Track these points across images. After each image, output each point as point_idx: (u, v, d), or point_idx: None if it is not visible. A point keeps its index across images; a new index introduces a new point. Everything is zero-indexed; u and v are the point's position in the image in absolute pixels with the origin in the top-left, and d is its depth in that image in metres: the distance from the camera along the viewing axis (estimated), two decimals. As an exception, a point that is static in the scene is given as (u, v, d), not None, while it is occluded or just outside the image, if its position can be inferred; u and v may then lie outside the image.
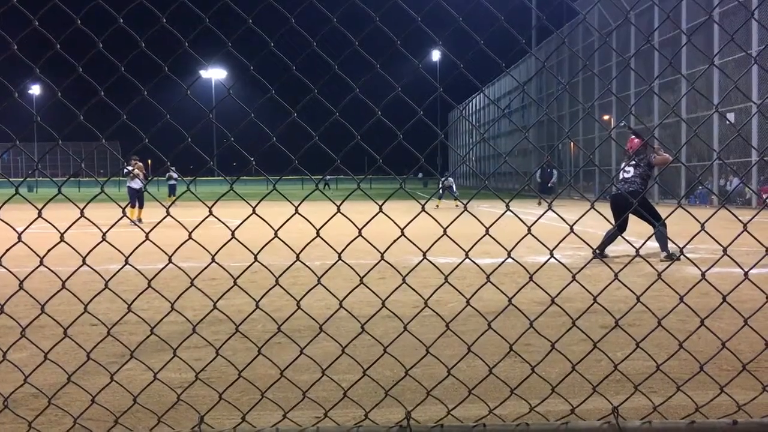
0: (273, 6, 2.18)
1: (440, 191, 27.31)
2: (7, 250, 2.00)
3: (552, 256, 1.99)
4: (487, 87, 57.90)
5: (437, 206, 23.74)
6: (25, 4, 2.10)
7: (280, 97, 2.28)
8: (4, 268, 2.04)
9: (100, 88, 2.10)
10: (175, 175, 29.78)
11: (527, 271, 2.04)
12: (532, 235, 2.06)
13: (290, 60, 2.17)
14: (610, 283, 2.11)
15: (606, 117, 33.58)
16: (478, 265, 2.06)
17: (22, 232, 1.99)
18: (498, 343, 2.28)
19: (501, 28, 2.26)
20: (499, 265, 2.14)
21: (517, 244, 2.13)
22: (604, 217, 2.20)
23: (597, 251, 8.36)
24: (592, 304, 2.09)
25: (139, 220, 15.49)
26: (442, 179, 29.87)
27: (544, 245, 1.99)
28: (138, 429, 2.32)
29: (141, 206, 16.21)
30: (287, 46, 2.27)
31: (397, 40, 2.10)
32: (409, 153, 2.31)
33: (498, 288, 2.09)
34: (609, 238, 8.12)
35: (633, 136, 9.45)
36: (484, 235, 2.01)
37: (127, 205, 11.50)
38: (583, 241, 2.16)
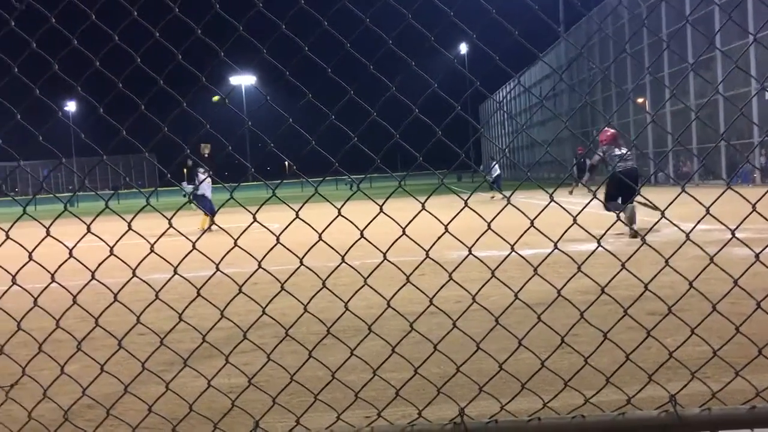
0: (302, 8, 2.19)
1: (493, 183, 27.05)
2: (60, 265, 2.05)
3: (600, 244, 1.96)
4: (515, 78, 57.35)
5: (493, 197, 23.41)
6: (63, 22, 2.14)
7: (309, 99, 2.28)
8: (57, 283, 2.09)
9: (140, 101, 2.13)
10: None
11: (574, 261, 2.01)
12: (579, 225, 2.03)
13: (324, 62, 2.18)
14: (661, 269, 2.07)
15: (640, 100, 33.01)
16: (523, 257, 2.04)
17: (73, 247, 2.03)
18: (543, 335, 2.26)
19: (528, 18, 2.24)
20: (547, 256, 2.12)
21: (563, 234, 2.10)
22: (650, 203, 2.15)
23: (634, 230, 8.91)
24: (644, 292, 2.05)
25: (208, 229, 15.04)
26: (490, 169, 29.59)
27: (590, 234, 1.96)
28: (194, 435, 2.35)
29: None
30: (318, 49, 2.28)
31: (431, 37, 2.09)
32: (439, 148, 2.29)
33: (544, 279, 2.07)
34: (627, 212, 9.18)
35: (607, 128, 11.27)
36: (529, 227, 1.99)
37: (209, 215, 11.35)
38: (629, 227, 2.12)
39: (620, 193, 9.62)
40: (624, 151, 10.90)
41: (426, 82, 2.21)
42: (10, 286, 2.10)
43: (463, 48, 56.64)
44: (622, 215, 9.51)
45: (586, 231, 2.08)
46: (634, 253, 2.11)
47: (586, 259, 2.07)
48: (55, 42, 2.31)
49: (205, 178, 14.87)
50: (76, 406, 2.69)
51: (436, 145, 2.19)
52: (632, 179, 9.95)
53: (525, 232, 2.04)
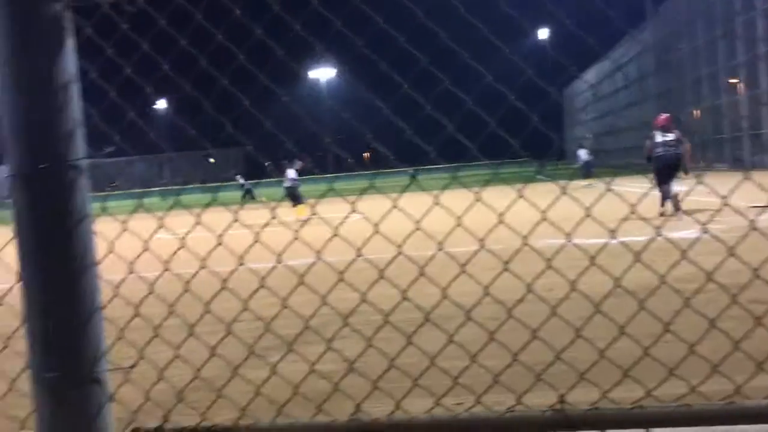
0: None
1: (584, 169, 26.57)
2: (174, 253, 2.17)
3: (706, 231, 1.91)
4: (598, 62, 55.81)
5: (589, 184, 22.88)
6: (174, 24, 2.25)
7: (373, 88, 2.31)
8: (170, 271, 2.21)
9: (244, 98, 2.23)
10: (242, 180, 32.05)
11: (678, 248, 1.97)
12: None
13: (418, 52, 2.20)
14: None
15: (733, 81, 31.49)
16: (625, 243, 2.02)
17: (185, 236, 2.15)
18: (644, 322, 2.22)
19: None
20: (648, 244, 2.09)
21: (664, 222, 2.06)
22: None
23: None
24: (752, 279, 1.99)
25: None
26: (582, 154, 29.02)
27: (697, 221, 1.91)
28: (299, 418, 2.44)
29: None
30: (411, 40, 2.30)
31: (517, 18, 2.08)
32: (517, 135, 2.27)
33: (649, 267, 2.04)
34: (666, 194, 10.70)
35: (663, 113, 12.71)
36: (629, 213, 1.97)
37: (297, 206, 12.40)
38: (738, 211, 2.06)
39: (661, 178, 10.52)
40: (668, 137, 11.69)
41: (505, 69, 2.20)
42: (129, 274, 2.24)
43: (544, 33, 55.46)
44: (668, 203, 10.44)
45: (695, 219, 2.03)
46: (744, 239, 2.05)
47: (691, 245, 2.02)
48: (157, 43, 2.43)
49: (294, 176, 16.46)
50: (189, 388, 2.84)
51: (519, 133, 2.18)
52: (671, 165, 11.07)
53: (623, 220, 2.02)
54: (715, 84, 31.63)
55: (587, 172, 27.59)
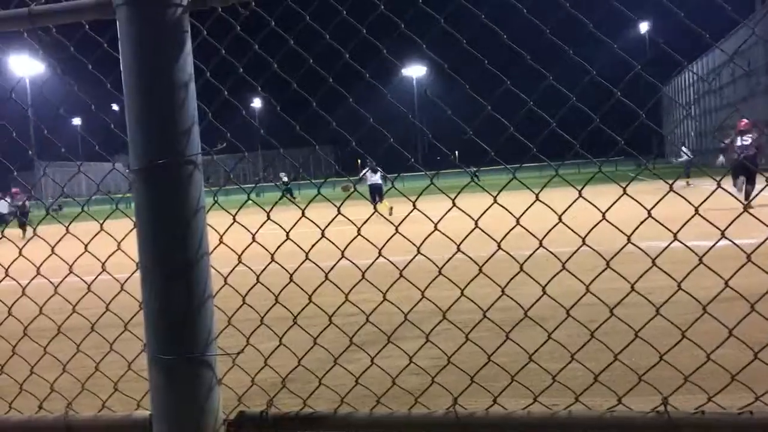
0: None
1: (686, 168, 25.86)
2: (244, 249, 2.26)
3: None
4: (701, 58, 53.37)
5: (688, 184, 22.31)
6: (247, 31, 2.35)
7: (474, 86, 2.31)
8: (278, 263, 2.31)
9: (312, 99, 2.29)
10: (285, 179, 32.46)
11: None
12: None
13: (483, 55, 2.20)
14: None
15: None
16: (739, 246, 1.95)
17: (255, 232, 2.24)
18: (751, 328, 2.14)
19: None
20: (759, 246, 2.01)
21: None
22: None
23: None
24: None
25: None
26: (683, 153, 28.25)
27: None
28: (397, 409, 2.49)
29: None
30: (480, 40, 2.30)
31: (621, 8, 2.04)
32: (611, 135, 2.23)
33: (761, 268, 1.96)
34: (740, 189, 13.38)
35: (743, 118, 15.04)
36: (741, 213, 1.90)
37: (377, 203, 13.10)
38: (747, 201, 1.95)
39: (735, 176, 14.29)
40: (746, 142, 14.27)
41: (605, 65, 2.16)
42: (236, 265, 2.35)
43: (644, 27, 53.51)
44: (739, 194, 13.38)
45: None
46: None
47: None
48: (240, 46, 2.53)
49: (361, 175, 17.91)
50: (291, 376, 2.95)
51: (614, 130, 2.14)
52: (745, 166, 13.76)
53: (736, 219, 1.95)
54: None
55: (688, 171, 26.58)
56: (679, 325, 2.19)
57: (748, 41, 37.70)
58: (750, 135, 14.26)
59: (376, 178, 21.43)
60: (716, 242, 1.95)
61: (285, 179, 34.72)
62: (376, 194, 19.57)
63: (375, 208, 17.64)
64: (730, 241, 1.93)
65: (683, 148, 30.32)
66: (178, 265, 2.15)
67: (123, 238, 2.39)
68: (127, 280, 2.52)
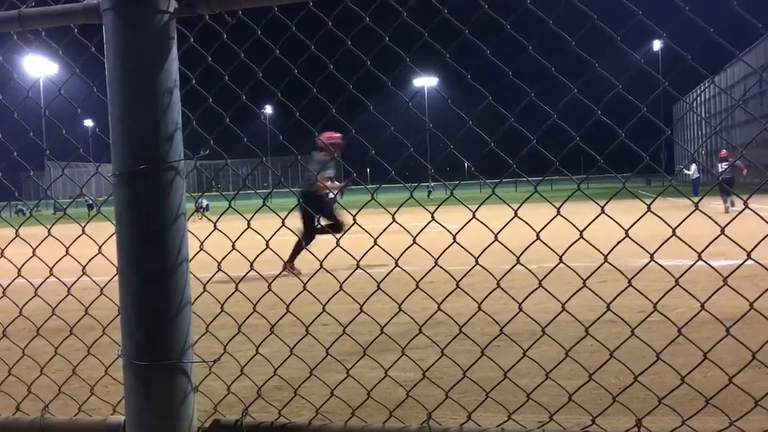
0: (486, 13, 2.21)
1: (696, 186, 26.00)
2: (257, 256, 2.26)
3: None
4: (727, 67, 53.26)
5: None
6: (267, 34, 2.36)
7: (496, 98, 2.30)
8: (256, 272, 2.31)
9: (332, 106, 2.30)
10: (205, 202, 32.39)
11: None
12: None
13: (505, 65, 2.20)
14: None
15: None
16: (713, 267, 1.94)
17: (270, 239, 2.23)
18: (737, 352, 2.12)
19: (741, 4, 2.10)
20: (737, 268, 1.99)
21: (758, 244, 1.96)
22: None
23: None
24: None
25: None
26: (693, 171, 28.27)
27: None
28: (371, 422, 2.48)
29: None
30: (500, 51, 2.30)
31: (617, 37, 2.04)
32: (625, 151, 2.21)
33: (737, 291, 1.94)
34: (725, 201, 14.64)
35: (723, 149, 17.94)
36: (718, 236, 1.88)
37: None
38: None
39: (722, 194, 17.10)
40: (726, 167, 18.12)
41: (612, 83, 2.15)
42: (215, 273, 2.35)
43: (657, 44, 53.49)
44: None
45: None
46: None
47: (785, 272, 1.90)
48: (258, 53, 2.53)
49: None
50: (267, 386, 2.94)
51: (622, 147, 2.12)
52: (722, 187, 17.37)
53: (712, 241, 1.93)
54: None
55: (696, 190, 26.53)
56: (657, 347, 2.18)
57: (765, 57, 37.56)
58: (727, 162, 19.69)
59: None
60: (692, 264, 1.93)
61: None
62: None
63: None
64: (706, 263, 1.91)
65: (692, 166, 30.22)
66: (155, 271, 2.14)
67: (104, 242, 2.40)
68: (107, 283, 2.52)
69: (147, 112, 2.15)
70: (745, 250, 1.83)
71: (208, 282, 2.31)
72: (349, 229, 2.33)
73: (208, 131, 2.50)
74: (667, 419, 2.28)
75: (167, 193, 2.17)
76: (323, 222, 9.42)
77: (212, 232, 2.27)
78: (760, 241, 1.94)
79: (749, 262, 1.87)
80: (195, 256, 2.26)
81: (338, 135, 9.86)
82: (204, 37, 2.49)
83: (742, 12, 2.06)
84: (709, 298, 1.94)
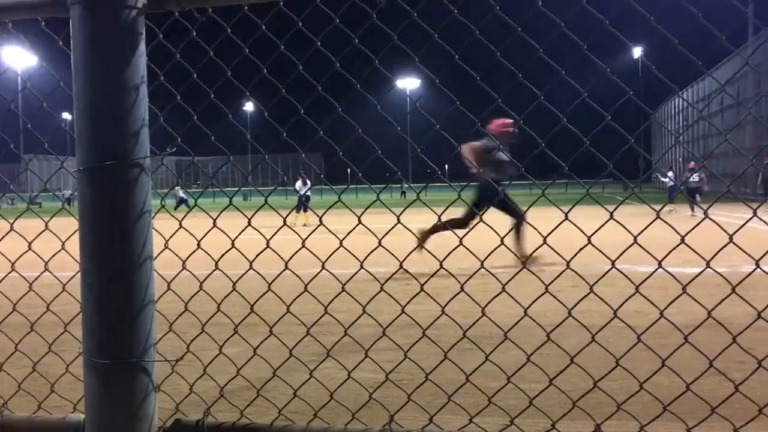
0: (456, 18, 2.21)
1: (672, 192, 26.28)
2: (222, 255, 2.25)
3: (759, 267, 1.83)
4: (696, 83, 53.94)
5: (671, 210, 22.77)
6: (237, 33, 2.34)
7: (466, 102, 2.30)
8: (220, 270, 2.29)
9: (300, 106, 2.29)
10: (181, 192, 32.41)
11: (729, 282, 1.89)
12: (735, 246, 1.91)
13: (473, 69, 2.20)
14: None
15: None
16: (671, 274, 1.96)
17: (235, 238, 2.22)
18: (699, 359, 2.14)
19: (713, 15, 2.12)
20: (697, 276, 2.01)
21: (719, 251, 1.98)
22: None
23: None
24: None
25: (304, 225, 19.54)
26: (669, 178, 28.63)
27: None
28: (334, 423, 2.47)
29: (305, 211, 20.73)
30: (472, 56, 2.30)
31: (584, 46, 2.05)
32: (605, 157, 2.22)
33: (695, 300, 1.96)
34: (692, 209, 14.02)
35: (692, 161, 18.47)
36: (679, 244, 1.90)
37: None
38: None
39: (690, 199, 16.05)
40: (695, 178, 20.50)
41: (596, 89, 2.16)
42: (180, 271, 2.33)
43: (637, 52, 54.03)
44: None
45: (745, 252, 1.95)
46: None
47: (743, 279, 1.93)
48: (230, 50, 2.52)
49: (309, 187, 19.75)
50: (232, 386, 2.92)
51: (594, 154, 2.12)
52: (693, 193, 20.61)
53: (674, 248, 1.95)
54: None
55: (672, 197, 26.80)
56: (622, 353, 2.19)
57: (738, 71, 38.15)
58: (697, 173, 22.49)
59: (305, 189, 22.61)
60: (654, 271, 1.95)
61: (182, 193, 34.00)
62: (302, 205, 21.10)
63: (296, 216, 19.19)
64: (665, 270, 1.93)
65: (668, 173, 30.59)
66: (118, 268, 2.12)
67: (68, 238, 2.37)
68: (70, 279, 2.49)
69: (113, 108, 2.13)
70: (703, 258, 1.85)
71: (172, 280, 2.29)
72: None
73: (182, 128, 2.48)
74: (627, 424, 2.29)
75: (132, 190, 2.15)
76: (501, 213, 8.44)
77: (177, 230, 2.26)
78: (720, 250, 1.97)
79: (709, 270, 1.88)
80: (160, 254, 2.24)
81: (509, 122, 9.31)
82: (176, 34, 2.47)
83: (709, 26, 2.08)
84: (669, 305, 1.96)
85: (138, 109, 2.17)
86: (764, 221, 1.90)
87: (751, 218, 1.89)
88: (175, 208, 32.12)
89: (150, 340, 2.19)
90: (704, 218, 1.91)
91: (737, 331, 2.00)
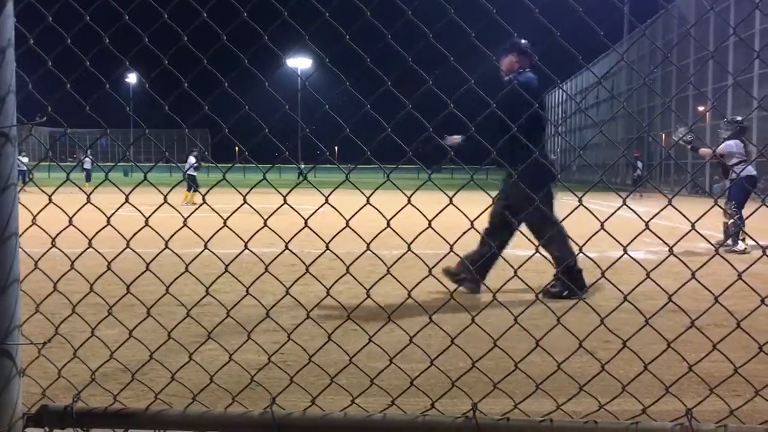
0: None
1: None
2: (97, 232, 2.13)
3: (672, 252, 1.95)
4: (575, 76, 56.57)
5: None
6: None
7: (361, 84, 2.29)
8: (94, 249, 2.17)
9: (184, 80, 2.20)
10: (89, 161, 31.67)
11: (599, 266, 2.00)
12: (606, 232, 2.02)
13: (364, 51, 2.18)
14: (733, 284, 2.03)
15: (701, 108, 32.12)
16: (547, 259, 2.04)
17: (111, 215, 2.11)
18: (568, 339, 2.25)
19: (592, 11, 2.21)
20: (529, 258, 2.11)
21: (590, 238, 2.09)
22: (680, 212, 2.12)
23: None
24: (666, 303, 2.03)
25: (193, 203, 18.87)
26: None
27: (663, 241, 1.94)
28: (214, 407, 2.42)
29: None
30: (365, 38, 2.28)
31: (472, 33, 2.08)
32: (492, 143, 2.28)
33: (568, 283, 2.06)
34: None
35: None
36: (555, 230, 1.99)
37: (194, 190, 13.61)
38: (659, 237, 2.09)
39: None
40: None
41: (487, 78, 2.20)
42: (49, 249, 2.19)
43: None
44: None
45: (614, 239, 2.06)
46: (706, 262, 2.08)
47: (613, 264, 2.05)
48: (109, 16, 2.38)
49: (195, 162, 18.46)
50: (108, 370, 2.80)
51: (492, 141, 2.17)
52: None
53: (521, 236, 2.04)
54: (684, 110, 32.30)
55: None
56: (497, 333, 2.27)
57: (614, 67, 40.31)
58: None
59: (187, 167, 21.93)
60: (531, 256, 2.03)
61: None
62: (193, 184, 20.18)
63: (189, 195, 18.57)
64: (585, 255, 2.02)
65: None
66: (-21, 245, 1.97)
67: None
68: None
69: (-26, 71, 1.97)
70: (578, 244, 1.94)
71: (40, 258, 2.15)
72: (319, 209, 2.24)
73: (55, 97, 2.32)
74: (503, 402, 2.39)
75: (-6, 161, 1.99)
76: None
77: (47, 205, 2.12)
78: (592, 237, 2.07)
79: (590, 254, 1.98)
80: (27, 230, 2.10)
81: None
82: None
83: (590, 22, 2.17)
84: (544, 288, 2.04)
85: (3, 73, 2.02)
86: (633, 210, 2.02)
87: (620, 207, 1.99)
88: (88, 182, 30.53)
89: (15, 322, 2.06)
90: (578, 206, 2.00)
91: (605, 314, 2.12)
